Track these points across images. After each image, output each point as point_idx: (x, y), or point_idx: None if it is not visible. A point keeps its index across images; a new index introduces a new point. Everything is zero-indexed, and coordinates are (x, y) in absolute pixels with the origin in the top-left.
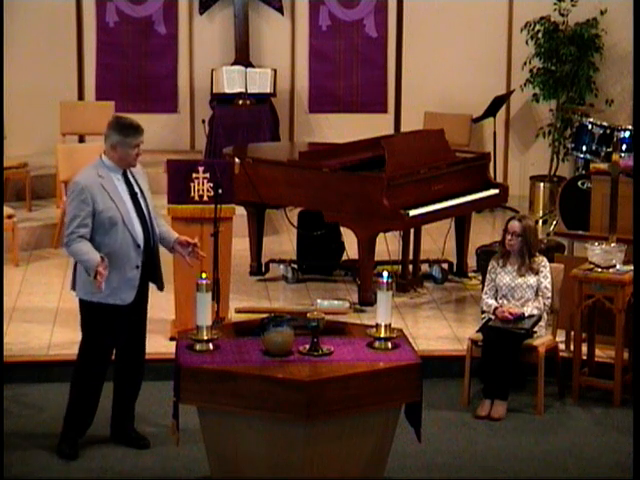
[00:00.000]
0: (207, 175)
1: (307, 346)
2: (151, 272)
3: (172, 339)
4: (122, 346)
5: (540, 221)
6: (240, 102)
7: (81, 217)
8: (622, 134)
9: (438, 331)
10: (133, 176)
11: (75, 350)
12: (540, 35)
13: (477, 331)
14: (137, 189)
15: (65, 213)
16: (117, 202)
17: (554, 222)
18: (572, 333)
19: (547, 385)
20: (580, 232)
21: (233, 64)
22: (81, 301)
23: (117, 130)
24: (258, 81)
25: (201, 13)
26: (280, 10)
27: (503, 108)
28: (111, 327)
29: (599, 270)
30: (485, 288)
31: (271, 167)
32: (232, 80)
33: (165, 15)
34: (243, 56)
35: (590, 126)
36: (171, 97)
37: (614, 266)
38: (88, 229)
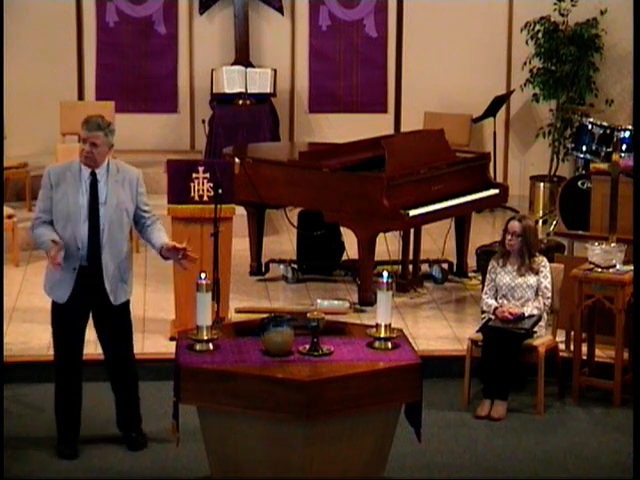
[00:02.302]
0: (207, 175)
1: (307, 346)
2: (99, 283)
3: (172, 339)
4: (107, 350)
5: (540, 221)
6: (240, 102)
7: (43, 202)
8: (622, 134)
9: (438, 331)
10: (111, 182)
11: None
12: (540, 35)
13: (477, 331)
14: (104, 198)
15: None
16: (70, 198)
17: (554, 222)
18: (572, 333)
19: (547, 385)
20: (580, 232)
21: (233, 64)
22: None
23: None
24: (258, 81)
25: (201, 13)
26: (280, 10)
27: (503, 108)
28: (61, 323)
29: (599, 270)
30: (485, 288)
31: (271, 167)
32: (232, 80)
33: (165, 15)
34: (243, 56)
35: (590, 126)
36: (171, 97)
37: (614, 266)
38: (50, 215)
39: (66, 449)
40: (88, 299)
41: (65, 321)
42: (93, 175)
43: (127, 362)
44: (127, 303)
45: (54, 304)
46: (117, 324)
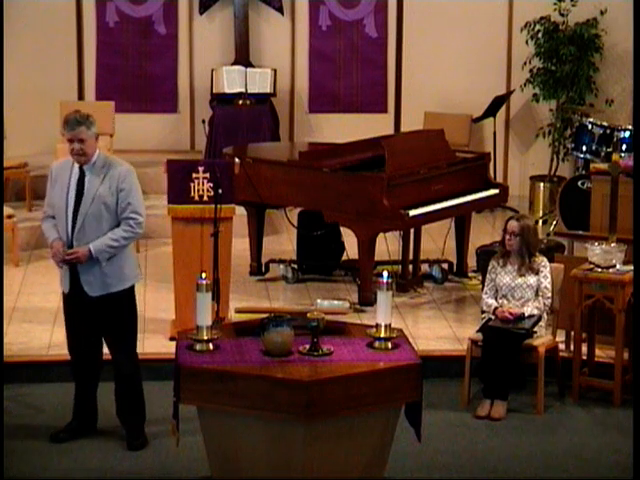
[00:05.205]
0: (207, 175)
1: (307, 346)
2: (77, 273)
3: (172, 339)
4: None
5: (540, 221)
6: (240, 102)
7: (47, 197)
8: (622, 134)
9: (438, 331)
10: (93, 176)
11: None
12: (540, 35)
13: (477, 331)
14: (87, 190)
15: None
16: (62, 193)
17: (554, 222)
18: (572, 333)
19: (547, 385)
20: (580, 232)
21: (233, 64)
22: None
23: None
24: (258, 81)
25: (201, 13)
26: (280, 10)
27: (503, 108)
28: (66, 314)
29: (599, 270)
30: (485, 288)
31: (271, 167)
32: (232, 80)
33: (165, 15)
34: (243, 56)
35: (590, 126)
36: (171, 97)
37: (614, 266)
38: (53, 209)
39: (55, 431)
40: (81, 291)
41: (68, 311)
42: (81, 170)
43: (116, 356)
44: (111, 296)
45: (62, 295)
46: (100, 316)
